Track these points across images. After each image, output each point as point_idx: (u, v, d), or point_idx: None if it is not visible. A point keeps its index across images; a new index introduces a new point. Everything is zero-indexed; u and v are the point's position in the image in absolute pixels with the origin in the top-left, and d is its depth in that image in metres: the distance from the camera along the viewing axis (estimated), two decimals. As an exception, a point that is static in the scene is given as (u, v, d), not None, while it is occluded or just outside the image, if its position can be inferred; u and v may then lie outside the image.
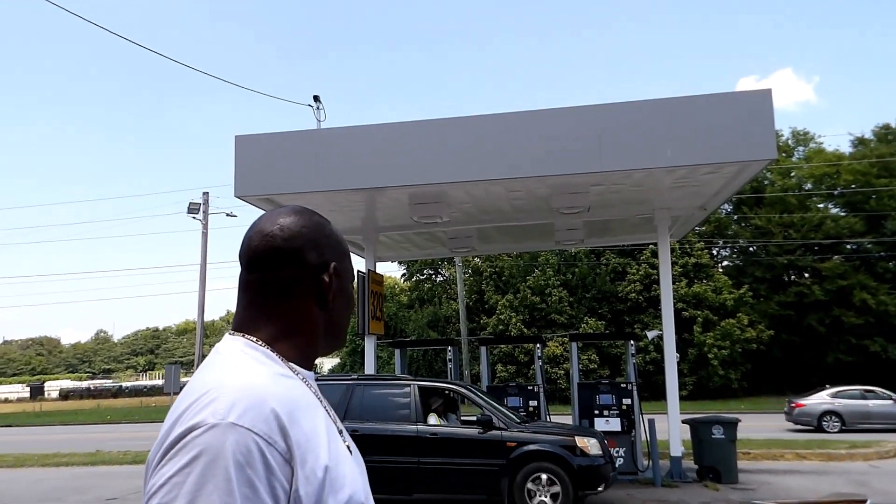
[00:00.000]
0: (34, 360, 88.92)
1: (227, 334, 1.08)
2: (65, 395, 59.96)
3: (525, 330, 32.65)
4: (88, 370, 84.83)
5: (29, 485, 12.22)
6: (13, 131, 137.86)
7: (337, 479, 0.95)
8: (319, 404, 1.04)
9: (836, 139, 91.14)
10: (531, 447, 8.10)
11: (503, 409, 8.96)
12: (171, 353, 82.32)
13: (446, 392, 9.13)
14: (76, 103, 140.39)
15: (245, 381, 0.93)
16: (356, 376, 9.43)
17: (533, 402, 11.35)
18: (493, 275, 36.29)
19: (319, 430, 0.97)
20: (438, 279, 40.23)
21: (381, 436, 8.38)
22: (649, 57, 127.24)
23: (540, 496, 7.89)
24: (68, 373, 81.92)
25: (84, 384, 67.67)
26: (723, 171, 9.12)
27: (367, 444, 8.10)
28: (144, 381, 66.34)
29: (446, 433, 8.43)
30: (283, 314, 1.07)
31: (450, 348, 12.37)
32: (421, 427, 8.37)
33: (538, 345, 12.77)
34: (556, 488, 7.90)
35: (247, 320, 1.07)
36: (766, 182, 33.62)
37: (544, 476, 7.95)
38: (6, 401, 61.07)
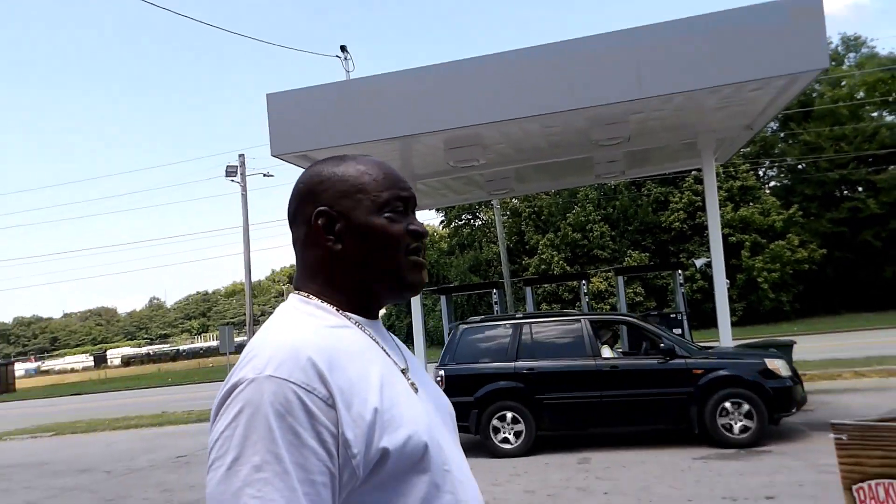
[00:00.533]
0: (94, 330, 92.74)
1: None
2: (126, 361, 62.60)
3: (567, 267, 32.47)
4: (146, 336, 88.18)
5: (102, 448, 12.82)
6: (57, 110, 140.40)
7: (392, 420, 0.93)
8: (375, 348, 1.03)
9: (892, 41, 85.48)
10: (721, 373, 7.99)
11: (680, 338, 8.90)
12: (222, 314, 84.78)
13: (615, 324, 9.15)
14: (107, 76, 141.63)
15: (285, 335, 0.96)
16: (521, 315, 9.55)
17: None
18: (532, 215, 35.96)
19: (370, 374, 0.96)
20: (477, 223, 40.08)
21: (558, 372, 8.44)
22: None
23: (734, 420, 7.84)
24: (127, 340, 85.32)
25: (143, 350, 70.48)
26: (770, 86, 8.64)
27: (543, 382, 8.39)
28: (200, 343, 68.70)
29: (627, 365, 8.44)
30: (316, 267, 1.08)
31: (495, 291, 12.34)
32: (599, 361, 8.36)
33: (583, 281, 12.65)
34: (749, 412, 7.80)
35: (298, 276, 1.12)
36: (814, 95, 32.03)
37: (736, 402, 7.84)
38: (72, 370, 64.12)
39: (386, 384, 0.96)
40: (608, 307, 29.26)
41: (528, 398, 8.42)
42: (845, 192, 33.24)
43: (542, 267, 33.00)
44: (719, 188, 28.54)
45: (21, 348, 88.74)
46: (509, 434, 8.43)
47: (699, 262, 21.42)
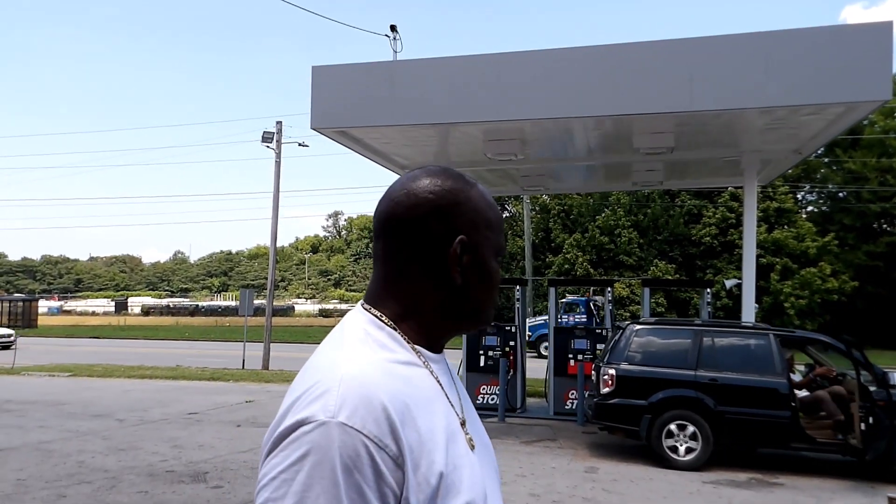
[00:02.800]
0: (117, 276, 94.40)
1: (358, 304, 1.03)
2: (146, 311, 63.69)
3: (592, 270, 32.21)
4: (167, 289, 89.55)
5: (117, 395, 13.08)
6: (99, 61, 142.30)
7: (453, 485, 0.88)
8: (440, 395, 0.96)
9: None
10: None
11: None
12: (243, 275, 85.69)
13: (807, 343, 8.84)
14: (156, 32, 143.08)
15: (360, 371, 0.88)
16: (700, 322, 9.28)
17: (601, 345, 11.20)
18: (562, 213, 35.70)
19: (437, 428, 0.90)
20: (504, 215, 39.92)
21: (747, 387, 8.04)
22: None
23: None
24: (149, 290, 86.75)
25: (163, 301, 71.65)
26: (826, 112, 8.41)
27: (727, 395, 8.07)
28: (219, 302, 69.64)
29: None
30: (408, 290, 0.99)
31: (518, 288, 12.26)
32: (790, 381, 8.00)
33: (608, 288, 12.52)
34: None
35: (376, 293, 1.01)
36: (864, 123, 31.22)
37: None
38: (93, 313, 65.42)
39: (450, 442, 0.91)
40: (627, 314, 29.02)
41: (707, 410, 8.03)
42: (885, 225, 32.45)
43: (566, 266, 32.77)
44: (755, 208, 28.11)
45: (46, 286, 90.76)
46: (681, 445, 8.10)
47: (729, 283, 21.11)
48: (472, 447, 0.97)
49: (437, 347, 1.02)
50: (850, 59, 7.64)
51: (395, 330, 0.97)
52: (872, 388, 7.73)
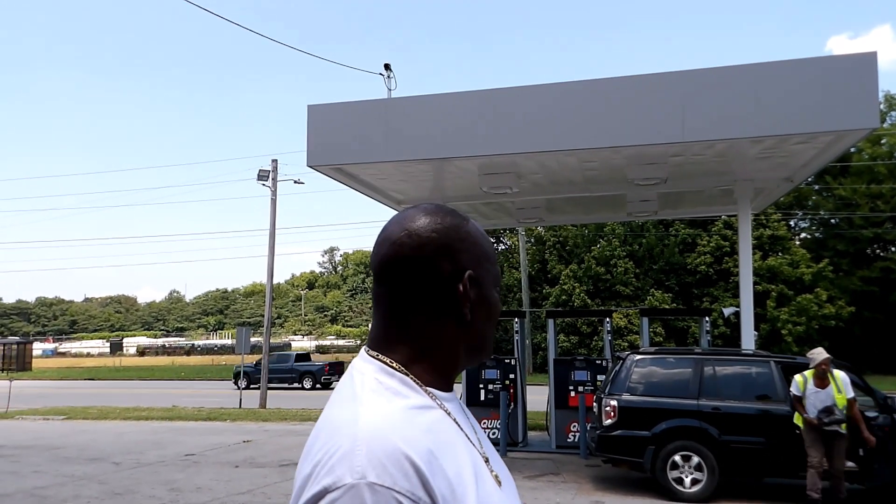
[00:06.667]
0: (113, 317, 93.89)
1: (362, 351, 1.00)
2: (141, 351, 63.21)
3: (589, 301, 32.17)
4: (162, 328, 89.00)
5: (113, 438, 12.90)
6: (95, 102, 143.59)
7: None
8: (461, 435, 0.93)
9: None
10: None
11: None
12: (239, 313, 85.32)
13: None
14: (151, 72, 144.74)
15: (379, 424, 0.85)
16: (700, 350, 9.24)
17: (601, 377, 11.13)
18: (557, 244, 35.78)
19: (464, 471, 0.88)
20: (500, 248, 39.99)
21: (749, 415, 8.00)
22: (730, 10, 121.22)
23: None
24: (144, 330, 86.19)
25: (159, 341, 71.15)
26: (816, 140, 8.55)
27: (731, 424, 7.97)
28: (215, 340, 69.20)
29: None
30: (418, 332, 0.97)
31: (516, 320, 12.23)
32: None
33: (606, 319, 12.50)
34: None
35: (381, 339, 0.99)
36: (853, 150, 31.66)
37: None
38: (88, 355, 64.82)
39: (479, 482, 0.89)
40: (626, 344, 28.92)
41: (711, 439, 7.95)
42: (878, 251, 32.64)
43: (563, 297, 32.74)
44: (750, 235, 28.25)
45: (41, 328, 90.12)
46: (687, 476, 7.99)
47: (727, 311, 21.11)
48: (500, 483, 0.96)
49: (448, 386, 1.00)
50: (837, 89, 7.79)
51: (407, 375, 0.94)
52: (873, 414, 7.69)
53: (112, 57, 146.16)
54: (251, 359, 25.20)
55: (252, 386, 23.57)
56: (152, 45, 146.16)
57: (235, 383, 24.02)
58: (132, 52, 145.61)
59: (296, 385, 27.35)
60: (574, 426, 11.08)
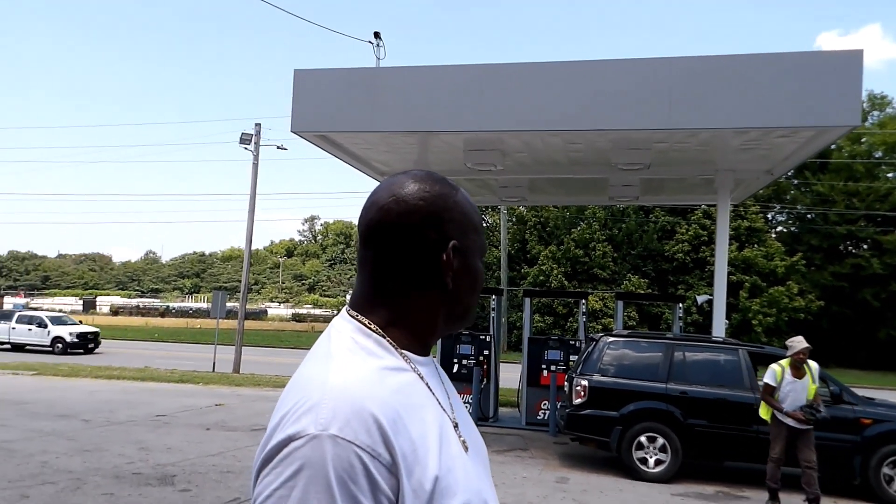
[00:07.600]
0: (86, 274, 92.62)
1: (343, 310, 1.02)
2: (115, 310, 62.54)
3: (566, 282, 32.46)
4: (137, 289, 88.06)
5: (83, 395, 12.83)
6: (74, 53, 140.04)
7: (449, 488, 0.88)
8: (431, 399, 0.95)
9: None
10: (891, 426, 7.76)
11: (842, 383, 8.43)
12: (216, 277, 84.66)
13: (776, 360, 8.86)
14: (136, 28, 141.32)
15: (349, 382, 0.87)
16: (672, 336, 9.36)
17: (574, 357, 11.30)
18: (538, 224, 35.96)
19: (429, 433, 0.90)
20: (482, 225, 40.08)
21: (714, 400, 8.20)
22: (720, 5, 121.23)
23: None
24: (118, 289, 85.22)
25: (133, 302, 70.40)
26: (798, 135, 8.65)
27: (696, 408, 8.14)
28: (190, 303, 68.63)
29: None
30: (399, 297, 0.99)
31: (493, 297, 12.32)
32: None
33: (582, 300, 12.65)
34: None
35: (363, 300, 1.00)
36: (832, 147, 32.09)
37: None
38: (60, 311, 64.07)
39: (443, 445, 0.91)
40: (599, 327, 29.29)
41: (677, 422, 8.15)
42: (850, 248, 33.27)
43: (541, 278, 32.99)
44: (727, 226, 28.63)
45: (13, 282, 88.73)
46: (651, 457, 8.17)
47: (701, 299, 21.45)
48: (466, 448, 0.98)
49: (424, 351, 1.02)
50: (822, 84, 7.87)
51: (383, 337, 0.96)
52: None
53: (94, 10, 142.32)
54: (226, 324, 25.10)
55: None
56: (139, 1, 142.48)
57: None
58: (114, 7, 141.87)
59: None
60: (545, 404, 11.25)
